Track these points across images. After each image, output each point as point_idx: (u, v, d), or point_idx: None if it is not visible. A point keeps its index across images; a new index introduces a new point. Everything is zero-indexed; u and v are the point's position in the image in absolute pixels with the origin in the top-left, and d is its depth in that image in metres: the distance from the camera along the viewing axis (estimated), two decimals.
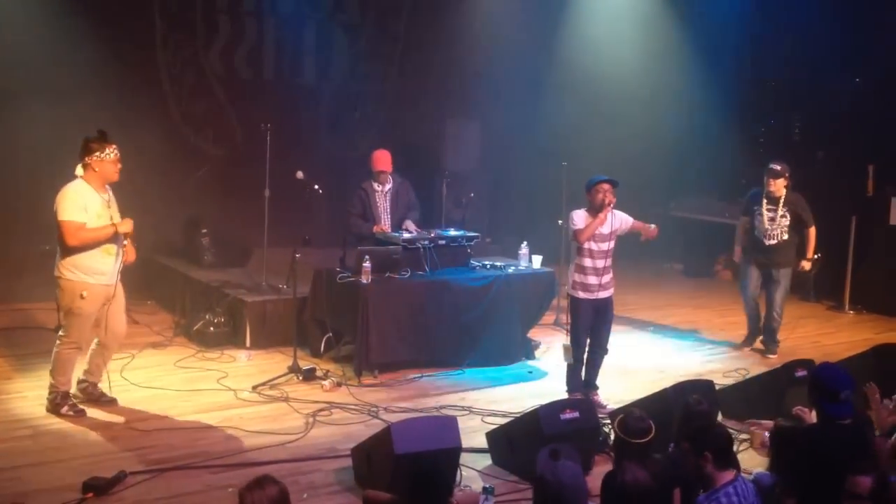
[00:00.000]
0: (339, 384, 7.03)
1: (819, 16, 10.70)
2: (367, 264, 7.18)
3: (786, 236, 8.22)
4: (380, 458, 5.07)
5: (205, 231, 9.43)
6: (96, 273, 6.06)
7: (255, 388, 6.87)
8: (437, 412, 6.41)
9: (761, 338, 8.64)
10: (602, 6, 12.05)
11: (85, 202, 6.00)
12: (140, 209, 9.27)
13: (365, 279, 7.18)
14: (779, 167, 8.14)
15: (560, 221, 8.83)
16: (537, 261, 8.11)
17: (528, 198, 11.72)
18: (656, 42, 11.83)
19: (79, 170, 6.12)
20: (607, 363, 7.09)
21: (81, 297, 6.02)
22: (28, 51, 9.03)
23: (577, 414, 5.49)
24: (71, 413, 6.17)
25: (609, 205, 6.61)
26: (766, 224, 8.20)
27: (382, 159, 8.20)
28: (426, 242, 7.69)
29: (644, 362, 8.12)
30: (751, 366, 8.01)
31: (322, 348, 7.74)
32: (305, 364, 7.35)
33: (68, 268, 6.03)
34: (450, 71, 11.48)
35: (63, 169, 8.89)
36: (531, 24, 11.78)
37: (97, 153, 6.04)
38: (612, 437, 5.02)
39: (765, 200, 8.23)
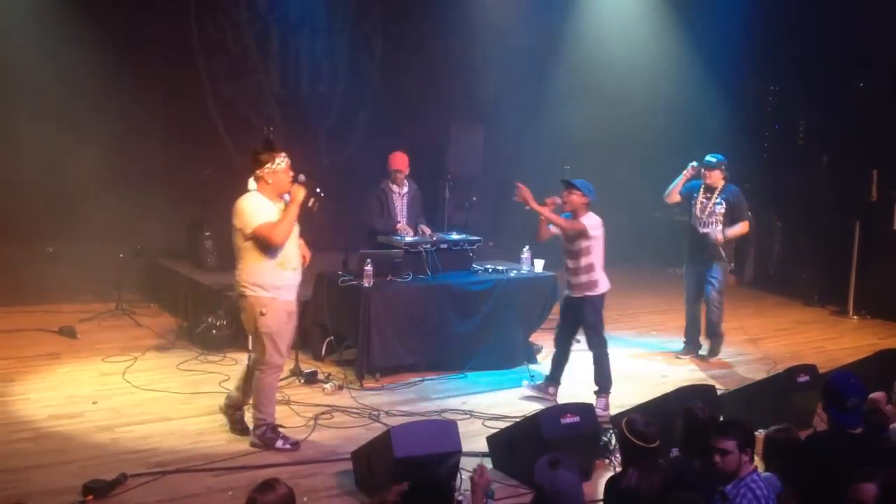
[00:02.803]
0: (340, 387, 7.03)
1: (824, 21, 10.68)
2: (368, 268, 7.18)
3: (718, 226, 8.18)
4: (380, 462, 5.07)
5: (208, 234, 9.44)
6: (273, 287, 5.71)
7: None
8: (438, 416, 6.41)
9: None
10: (607, 12, 12.05)
11: (263, 210, 5.67)
12: (143, 212, 9.40)
13: (367, 282, 7.18)
14: (714, 159, 8.25)
15: None
16: (539, 265, 8.10)
17: None
18: (660, 47, 11.83)
19: (251, 184, 5.76)
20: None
21: (261, 314, 5.69)
22: (34, 55, 9.04)
23: (577, 419, 5.50)
24: (287, 447, 5.77)
25: (561, 204, 6.87)
26: (699, 212, 8.26)
27: (399, 159, 8.27)
28: (428, 246, 7.69)
29: (646, 367, 8.11)
30: (754, 372, 8.00)
31: (324, 351, 7.74)
32: (307, 367, 7.35)
33: (247, 284, 5.69)
34: (454, 75, 11.47)
35: (67, 172, 9.01)
36: (536, 29, 11.77)
37: (268, 164, 5.69)
38: (617, 440, 5.01)
39: (702, 190, 8.28)
